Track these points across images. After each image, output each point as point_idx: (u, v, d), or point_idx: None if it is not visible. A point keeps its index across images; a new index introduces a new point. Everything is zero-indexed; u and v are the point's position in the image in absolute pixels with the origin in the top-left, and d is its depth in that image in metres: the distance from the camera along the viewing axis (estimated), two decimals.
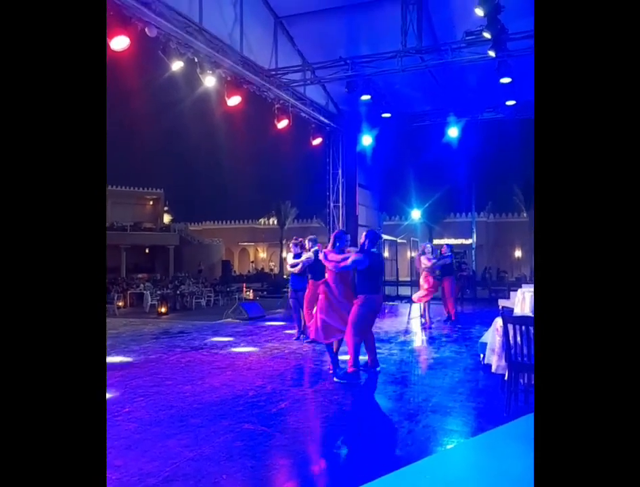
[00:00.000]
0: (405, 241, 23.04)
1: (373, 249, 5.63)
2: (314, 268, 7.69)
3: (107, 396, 4.87)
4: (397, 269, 18.93)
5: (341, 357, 5.82)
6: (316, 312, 5.79)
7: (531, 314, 4.87)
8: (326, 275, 5.87)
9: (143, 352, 7.50)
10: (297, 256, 8.24)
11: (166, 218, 40.73)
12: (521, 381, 4.33)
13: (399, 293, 17.45)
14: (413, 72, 10.54)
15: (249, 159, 45.77)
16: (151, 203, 38.76)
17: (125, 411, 4.47)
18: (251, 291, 17.57)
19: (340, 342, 5.83)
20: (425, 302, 10.08)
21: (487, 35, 8.31)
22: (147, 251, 36.25)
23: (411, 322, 10.87)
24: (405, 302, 15.06)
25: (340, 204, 14.79)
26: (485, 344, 5.37)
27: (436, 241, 26.34)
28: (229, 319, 11.49)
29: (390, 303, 15.29)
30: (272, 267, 41.79)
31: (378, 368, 5.95)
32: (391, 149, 16.60)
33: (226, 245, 40.83)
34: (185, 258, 34.93)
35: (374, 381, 5.65)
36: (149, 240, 35.00)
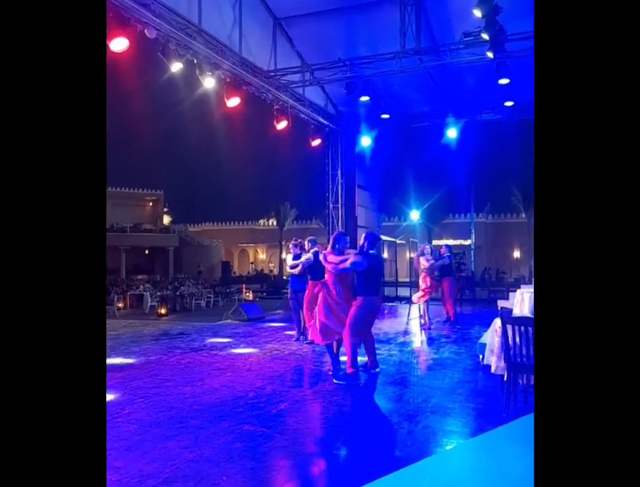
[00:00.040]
0: (404, 241, 23.07)
1: (372, 251, 5.63)
2: (314, 269, 7.70)
3: (107, 397, 4.87)
4: (396, 270, 18.95)
5: (341, 358, 5.83)
6: (315, 313, 5.82)
7: (530, 315, 4.88)
8: (325, 276, 5.89)
9: (142, 353, 7.49)
10: (296, 257, 8.25)
11: (166, 220, 40.75)
12: (521, 381, 4.33)
13: (398, 294, 17.46)
14: (412, 73, 10.55)
15: (248, 161, 45.77)
16: (150, 204, 38.76)
17: (125, 413, 4.47)
18: (250, 292, 17.58)
19: (340, 343, 5.84)
20: (424, 302, 10.10)
21: (485, 36, 8.33)
22: (146, 252, 36.26)
23: (410, 323, 10.87)
24: (404, 303, 15.07)
25: (339, 205, 14.80)
26: (484, 345, 5.38)
27: (435, 242, 26.36)
28: (229, 320, 11.49)
29: (389, 304, 15.28)
30: (272, 268, 41.79)
31: (378, 369, 5.96)
32: (390, 150, 16.61)
33: (225, 246, 40.83)
34: (185, 259, 34.93)
35: (374, 382, 5.65)
36: (148, 241, 35.00)
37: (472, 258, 22.59)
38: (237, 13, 10.06)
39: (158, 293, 15.06)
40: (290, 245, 8.56)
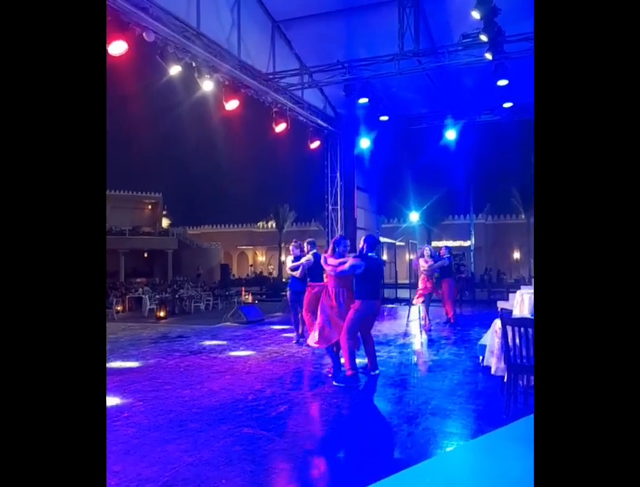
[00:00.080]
0: (404, 243, 23.07)
1: (371, 254, 5.64)
2: (314, 271, 7.71)
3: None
4: (396, 272, 18.95)
5: (342, 360, 5.82)
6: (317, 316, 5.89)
7: (530, 316, 4.88)
8: (325, 279, 5.93)
9: (141, 356, 7.48)
10: (297, 258, 8.23)
11: (165, 222, 40.76)
12: (521, 382, 4.33)
13: (398, 295, 17.46)
14: (411, 75, 10.56)
15: (247, 163, 45.87)
16: (149, 207, 38.77)
17: (124, 416, 4.46)
18: (250, 294, 17.56)
19: (339, 345, 5.85)
20: (422, 302, 10.13)
21: (484, 38, 8.34)
22: (145, 255, 36.24)
23: (410, 325, 10.86)
24: (404, 305, 15.06)
25: (338, 207, 14.80)
26: (484, 346, 5.37)
27: (434, 243, 26.35)
28: (228, 323, 11.48)
29: (389, 305, 15.28)
30: (271, 270, 41.78)
31: (377, 371, 5.95)
32: (389, 152, 16.62)
33: (224, 249, 40.81)
34: (184, 262, 34.93)
35: (373, 384, 5.65)
36: (147, 244, 35.00)
37: (472, 259, 22.57)
38: (236, 16, 10.08)
39: (157, 296, 15.03)
40: (291, 247, 8.55)
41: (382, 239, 17.01)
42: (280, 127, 11.16)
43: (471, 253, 23.33)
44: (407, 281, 19.70)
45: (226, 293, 17.73)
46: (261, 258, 45.26)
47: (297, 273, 8.07)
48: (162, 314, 13.13)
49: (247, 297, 16.69)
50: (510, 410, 4.18)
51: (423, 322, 10.14)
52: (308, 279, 7.84)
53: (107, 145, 2.01)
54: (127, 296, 15.82)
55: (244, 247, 44.71)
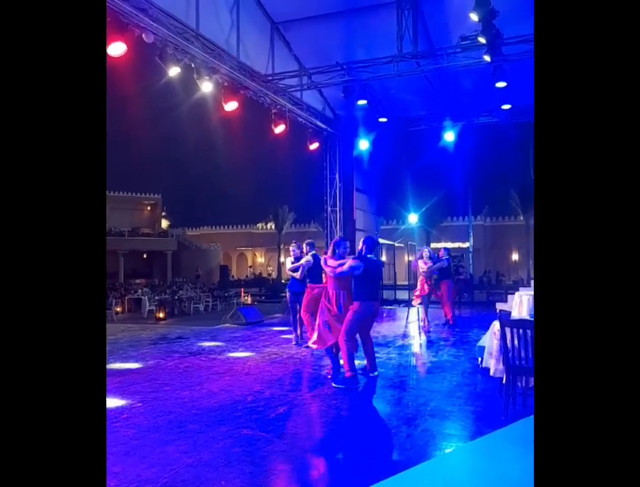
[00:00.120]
0: (403, 245, 23.08)
1: (370, 255, 5.66)
2: (313, 272, 7.72)
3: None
4: (395, 273, 18.95)
5: (341, 362, 5.83)
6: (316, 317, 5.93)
7: (528, 318, 4.89)
8: (324, 280, 5.95)
9: (141, 357, 7.48)
10: (297, 258, 8.23)
11: (164, 224, 40.74)
12: (519, 384, 4.34)
13: (397, 297, 17.46)
14: (409, 77, 10.58)
15: (246, 164, 45.85)
16: (148, 208, 38.76)
17: (123, 417, 4.46)
18: (249, 295, 17.56)
19: (338, 346, 5.86)
20: (419, 304, 10.17)
21: (482, 40, 8.35)
22: (144, 256, 36.21)
23: (409, 326, 10.87)
24: (403, 306, 15.06)
25: (337, 209, 14.81)
26: (483, 348, 5.37)
27: (433, 245, 26.33)
28: (227, 324, 11.47)
29: (388, 307, 15.28)
30: (270, 272, 41.77)
31: (376, 373, 5.96)
32: (388, 154, 16.62)
33: (224, 250, 40.81)
34: (183, 263, 34.91)
35: (372, 385, 5.65)
36: (146, 245, 34.97)
37: (470, 260, 22.61)
38: (235, 18, 10.09)
39: (156, 297, 15.03)
40: (291, 248, 8.55)
41: (381, 241, 17.00)
42: (279, 128, 11.17)
43: (470, 255, 23.36)
44: (406, 283, 19.71)
45: (226, 294, 17.73)
46: (260, 259, 45.25)
47: (297, 274, 8.07)
48: (161, 315, 13.12)
49: (246, 298, 16.70)
50: (509, 412, 4.19)
51: (422, 324, 10.15)
52: (308, 280, 7.84)
53: (107, 146, 2.02)
54: (126, 297, 15.82)
55: (243, 248, 44.70)
